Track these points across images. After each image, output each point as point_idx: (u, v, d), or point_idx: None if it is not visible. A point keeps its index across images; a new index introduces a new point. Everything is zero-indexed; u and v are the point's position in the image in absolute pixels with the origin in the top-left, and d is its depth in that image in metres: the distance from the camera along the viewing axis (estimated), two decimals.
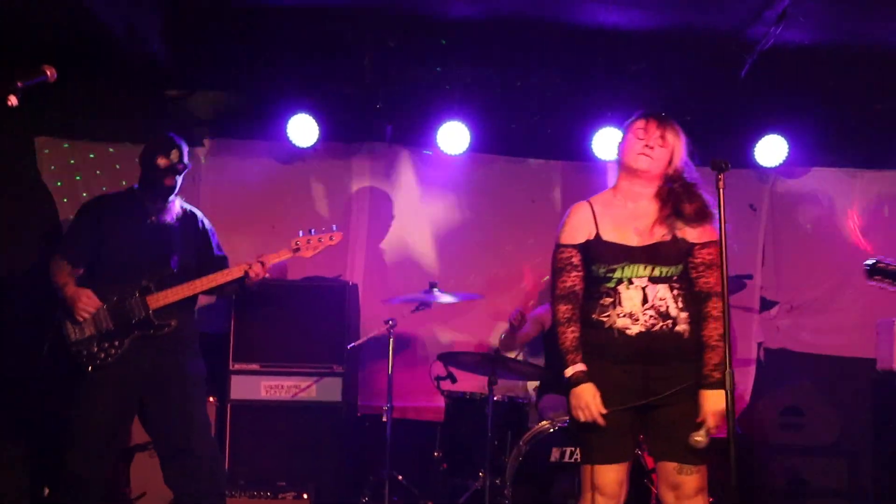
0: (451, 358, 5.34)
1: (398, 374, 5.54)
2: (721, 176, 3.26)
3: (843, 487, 5.79)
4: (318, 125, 5.99)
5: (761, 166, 6.17)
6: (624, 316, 3.30)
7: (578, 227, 3.41)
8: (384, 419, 5.24)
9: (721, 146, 6.15)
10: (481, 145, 6.20)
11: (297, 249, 4.47)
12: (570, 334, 3.34)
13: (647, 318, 3.30)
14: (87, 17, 4.72)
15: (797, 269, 6.43)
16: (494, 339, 6.10)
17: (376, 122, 6.21)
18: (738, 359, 6.29)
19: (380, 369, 5.86)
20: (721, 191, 3.23)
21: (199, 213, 4.58)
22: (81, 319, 4.14)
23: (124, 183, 5.32)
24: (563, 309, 3.37)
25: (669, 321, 3.32)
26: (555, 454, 4.74)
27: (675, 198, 3.38)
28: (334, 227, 4.55)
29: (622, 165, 3.48)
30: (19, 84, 3.14)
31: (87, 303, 4.15)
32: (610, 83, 5.93)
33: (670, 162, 3.43)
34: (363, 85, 5.97)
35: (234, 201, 6.29)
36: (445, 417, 5.42)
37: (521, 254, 6.32)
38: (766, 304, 6.41)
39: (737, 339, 6.31)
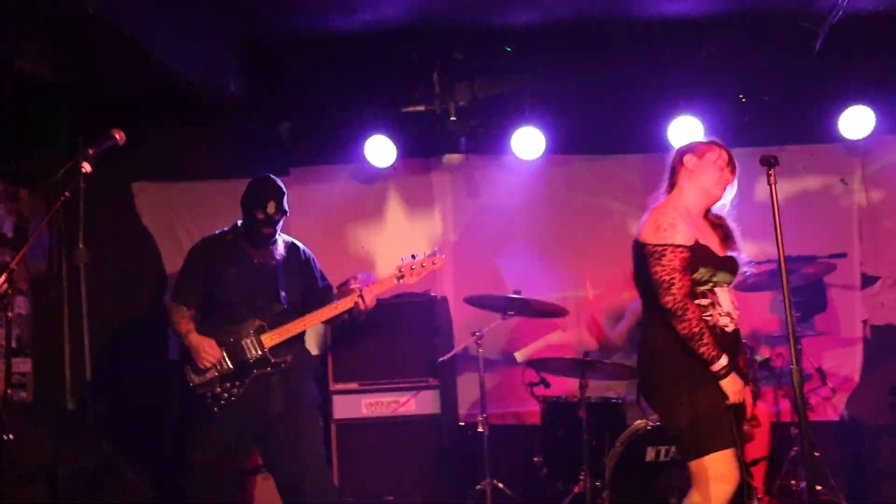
0: (541, 364, 5.38)
1: (494, 382, 5.58)
2: (772, 171, 3.29)
3: None
4: (395, 144, 6.12)
5: (848, 139, 5.97)
6: (724, 315, 3.56)
7: (687, 231, 3.55)
8: (479, 429, 5.29)
9: (802, 123, 6.07)
10: (557, 146, 6.19)
11: (402, 276, 4.47)
12: (708, 331, 3.47)
13: (735, 316, 3.60)
14: (162, 69, 4.97)
15: None
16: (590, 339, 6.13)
17: (451, 136, 6.28)
18: (843, 338, 6.14)
19: (477, 379, 5.93)
20: (773, 186, 3.25)
21: (300, 245, 4.67)
22: (204, 367, 4.32)
23: (219, 218, 5.44)
24: (695, 307, 3.48)
25: (737, 320, 3.65)
26: (650, 454, 4.73)
27: (721, 224, 3.77)
28: (437, 252, 4.50)
29: (702, 188, 3.69)
30: (90, 151, 3.33)
31: (210, 352, 4.30)
32: (681, 72, 5.87)
33: None
34: (434, 100, 6.07)
35: (321, 226, 6.47)
36: (542, 422, 5.47)
37: (611, 252, 5.98)
38: (867, 281, 6.20)
39: (839, 318, 6.15)
